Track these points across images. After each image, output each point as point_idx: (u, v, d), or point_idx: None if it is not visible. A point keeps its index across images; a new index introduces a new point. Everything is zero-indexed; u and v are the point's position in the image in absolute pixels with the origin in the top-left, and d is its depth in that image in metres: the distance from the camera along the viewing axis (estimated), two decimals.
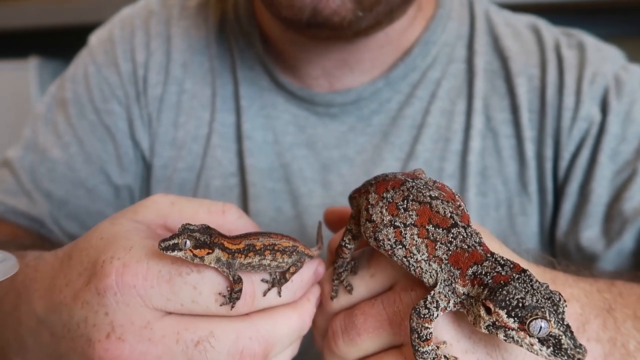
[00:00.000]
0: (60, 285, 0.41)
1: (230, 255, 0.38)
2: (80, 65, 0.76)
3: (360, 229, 0.42)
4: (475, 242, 0.37)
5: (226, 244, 0.38)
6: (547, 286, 0.35)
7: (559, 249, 0.66)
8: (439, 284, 0.37)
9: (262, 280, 0.41)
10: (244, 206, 0.70)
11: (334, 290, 0.44)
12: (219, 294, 0.38)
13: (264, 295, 0.40)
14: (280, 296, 0.41)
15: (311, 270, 0.43)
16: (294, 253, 0.41)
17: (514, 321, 0.34)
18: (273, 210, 0.69)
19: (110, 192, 0.74)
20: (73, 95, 0.74)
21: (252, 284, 0.40)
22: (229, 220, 0.44)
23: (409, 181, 0.40)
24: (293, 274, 0.41)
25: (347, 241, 0.43)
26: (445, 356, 0.38)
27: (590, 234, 0.63)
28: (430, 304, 0.37)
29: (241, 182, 0.70)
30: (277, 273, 0.41)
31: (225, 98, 0.72)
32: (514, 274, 0.35)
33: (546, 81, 0.67)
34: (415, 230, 0.38)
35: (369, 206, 0.40)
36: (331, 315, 0.44)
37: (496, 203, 0.67)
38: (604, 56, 0.68)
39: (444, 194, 0.39)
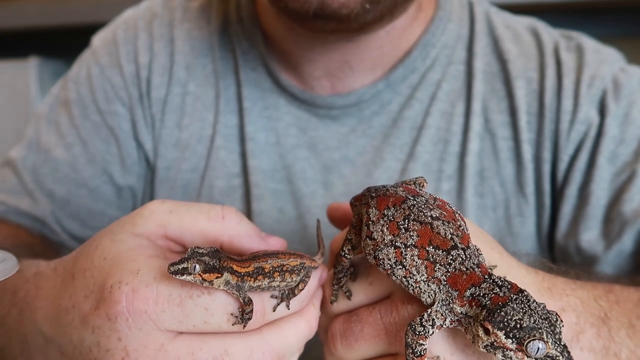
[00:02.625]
0: (66, 307, 0.41)
1: (239, 279, 0.39)
2: (83, 66, 0.76)
3: (359, 239, 0.42)
4: (473, 264, 0.38)
5: (235, 267, 0.38)
6: (544, 306, 0.35)
7: (558, 251, 0.67)
8: (436, 303, 0.38)
9: (271, 296, 0.41)
10: (247, 207, 0.70)
11: (334, 295, 0.45)
12: (231, 314, 0.39)
13: (274, 311, 0.41)
14: (289, 309, 0.42)
15: (316, 279, 0.44)
16: (302, 270, 0.41)
17: (512, 342, 0.34)
18: (275, 211, 0.70)
19: (112, 193, 0.74)
20: (76, 95, 0.75)
21: (262, 301, 0.40)
22: (229, 225, 0.44)
23: (410, 199, 0.40)
24: (302, 290, 0.42)
25: (346, 251, 0.44)
26: None
27: (590, 236, 0.64)
28: (427, 321, 0.37)
29: (244, 183, 0.71)
30: (286, 289, 0.42)
31: (229, 100, 0.72)
32: (511, 295, 0.36)
33: (545, 84, 0.67)
34: (416, 252, 0.38)
35: (370, 222, 0.40)
36: (331, 317, 0.45)
37: (494, 204, 0.67)
38: (602, 59, 0.68)
39: (445, 213, 0.40)
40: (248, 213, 0.70)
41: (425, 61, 0.70)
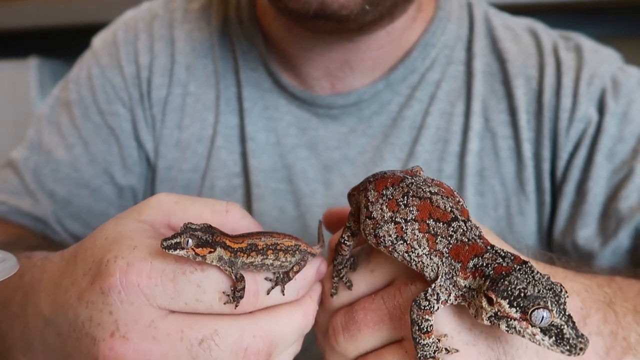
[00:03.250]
0: (65, 285, 0.41)
1: (232, 254, 0.38)
2: (84, 67, 0.77)
3: (359, 226, 0.42)
4: (475, 235, 0.37)
5: (228, 243, 0.38)
6: (549, 277, 0.35)
7: (556, 248, 0.67)
8: (439, 277, 0.37)
9: (265, 279, 0.41)
10: (248, 206, 0.70)
11: (334, 287, 0.44)
12: (223, 292, 0.38)
13: (268, 294, 0.40)
14: (283, 294, 0.41)
15: (314, 268, 0.43)
16: (297, 252, 0.41)
17: (516, 311, 0.34)
18: (276, 210, 0.70)
19: (113, 193, 0.75)
20: (77, 96, 0.75)
21: (256, 282, 0.40)
22: (232, 220, 0.44)
23: (407, 178, 0.40)
24: (297, 272, 0.41)
25: (346, 238, 0.44)
26: (446, 348, 0.37)
27: (587, 233, 0.64)
28: (431, 296, 0.37)
29: (245, 182, 0.71)
30: (280, 272, 0.41)
31: (229, 100, 0.73)
32: (515, 265, 0.35)
33: (544, 83, 0.67)
34: (417, 225, 0.38)
35: (369, 203, 0.40)
36: (332, 312, 0.44)
37: (494, 203, 0.68)
38: (601, 58, 0.69)
39: (443, 190, 0.40)
40: (249, 212, 0.70)
41: (425, 61, 0.70)
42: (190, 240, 0.37)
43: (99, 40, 0.78)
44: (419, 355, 0.37)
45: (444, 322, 0.38)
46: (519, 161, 0.67)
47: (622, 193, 0.62)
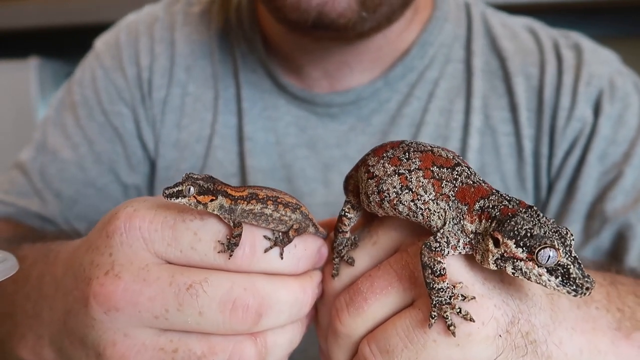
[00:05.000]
0: (80, 243, 0.43)
1: (232, 202, 0.38)
2: (87, 69, 0.77)
3: (359, 200, 0.41)
4: (479, 179, 0.37)
5: (229, 191, 0.38)
6: (554, 221, 0.35)
7: None
8: (447, 223, 0.36)
9: (264, 237, 0.39)
10: None
11: (335, 269, 0.42)
12: (218, 241, 0.38)
13: (265, 252, 0.39)
14: (282, 258, 0.39)
15: (316, 245, 0.42)
16: (297, 211, 0.40)
17: (523, 251, 0.34)
18: None
19: (119, 191, 0.75)
20: (81, 97, 0.76)
21: (253, 236, 0.39)
22: None
23: (406, 141, 0.40)
24: (296, 231, 0.40)
25: (346, 210, 0.42)
26: (462, 295, 0.36)
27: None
28: (441, 238, 0.36)
29: (242, 182, 0.72)
30: (280, 233, 0.40)
31: (228, 100, 0.73)
32: (521, 208, 0.35)
33: (544, 80, 0.68)
34: (421, 173, 0.37)
35: (369, 167, 0.39)
36: (334, 295, 0.42)
37: None
38: (600, 58, 0.69)
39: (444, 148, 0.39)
40: None
41: (423, 60, 0.71)
42: (192, 188, 0.37)
43: (101, 43, 0.79)
44: (434, 302, 0.35)
45: (458, 271, 0.37)
46: (519, 158, 0.68)
47: (609, 194, 0.63)
